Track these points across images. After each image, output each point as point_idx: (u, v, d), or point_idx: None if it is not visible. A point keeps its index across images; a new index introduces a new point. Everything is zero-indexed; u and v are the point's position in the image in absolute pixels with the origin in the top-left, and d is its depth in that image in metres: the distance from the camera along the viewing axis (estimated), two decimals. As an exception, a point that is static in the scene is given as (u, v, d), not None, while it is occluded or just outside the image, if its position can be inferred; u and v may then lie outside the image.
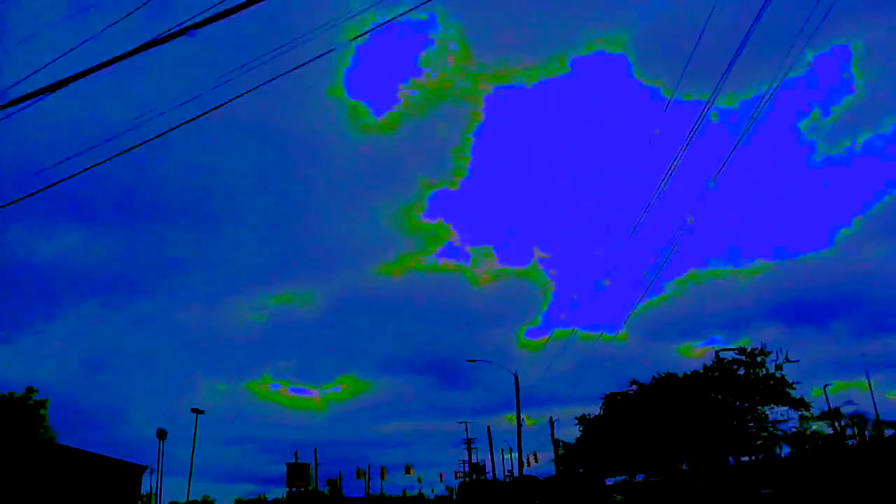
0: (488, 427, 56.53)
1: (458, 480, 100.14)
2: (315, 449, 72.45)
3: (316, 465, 72.16)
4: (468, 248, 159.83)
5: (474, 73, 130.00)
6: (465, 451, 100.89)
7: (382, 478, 67.45)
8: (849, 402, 47.49)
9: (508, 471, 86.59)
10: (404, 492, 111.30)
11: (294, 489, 65.52)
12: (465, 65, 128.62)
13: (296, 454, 72.89)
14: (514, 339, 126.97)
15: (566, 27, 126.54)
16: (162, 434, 49.33)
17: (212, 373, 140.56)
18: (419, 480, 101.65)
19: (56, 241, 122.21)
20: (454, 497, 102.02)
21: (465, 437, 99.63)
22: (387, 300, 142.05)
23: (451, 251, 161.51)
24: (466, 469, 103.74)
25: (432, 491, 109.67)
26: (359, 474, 69.44)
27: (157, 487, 48.88)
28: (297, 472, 66.21)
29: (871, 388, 44.85)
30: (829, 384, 43.35)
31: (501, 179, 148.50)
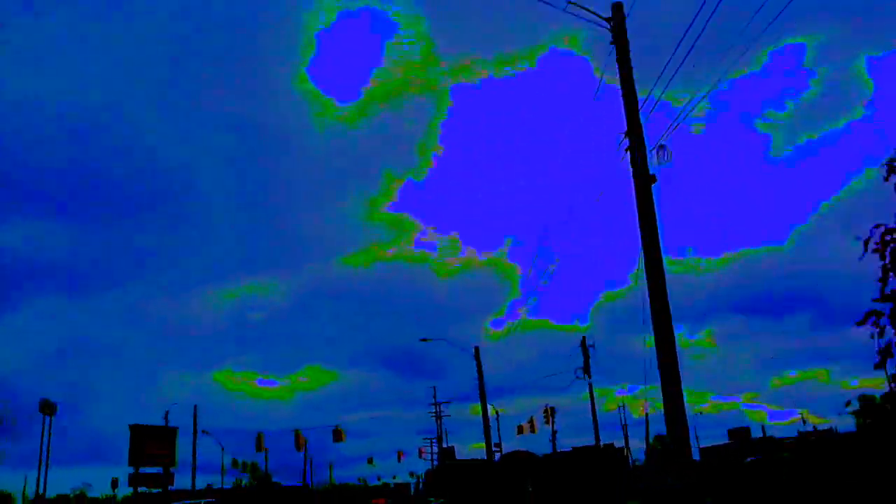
0: (475, 349, 30.90)
1: (424, 460, 75.54)
2: (195, 406, 46.11)
3: (195, 431, 45.67)
4: (434, 239, 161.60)
5: (437, 67, 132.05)
6: (432, 441, 76.64)
7: (298, 448, 41.55)
8: None
9: (495, 444, 61.74)
10: (361, 480, 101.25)
11: (148, 469, 38.93)
12: (428, 58, 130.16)
13: (165, 415, 46.24)
14: (480, 329, 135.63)
15: (525, 23, 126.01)
16: (48, 407, 35.80)
17: (177, 364, 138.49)
18: (369, 461, 76.77)
19: (18, 232, 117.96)
20: (420, 487, 75.70)
21: (433, 401, 73.94)
22: (352, 291, 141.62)
23: (417, 242, 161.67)
24: (435, 449, 78.71)
25: (394, 478, 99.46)
26: (258, 444, 42.85)
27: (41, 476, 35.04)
28: (152, 440, 39.52)
29: None
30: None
31: (467, 171, 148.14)
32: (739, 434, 49.49)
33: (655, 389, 11.56)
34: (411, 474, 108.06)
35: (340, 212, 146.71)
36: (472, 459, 63.10)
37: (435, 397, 73.59)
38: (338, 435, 40.84)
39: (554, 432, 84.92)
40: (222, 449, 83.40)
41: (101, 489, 67.48)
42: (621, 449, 61.98)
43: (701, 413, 79.39)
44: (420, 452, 75.03)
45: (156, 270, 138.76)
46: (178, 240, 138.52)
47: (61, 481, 71.21)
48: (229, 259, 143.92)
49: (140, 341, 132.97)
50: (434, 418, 74.35)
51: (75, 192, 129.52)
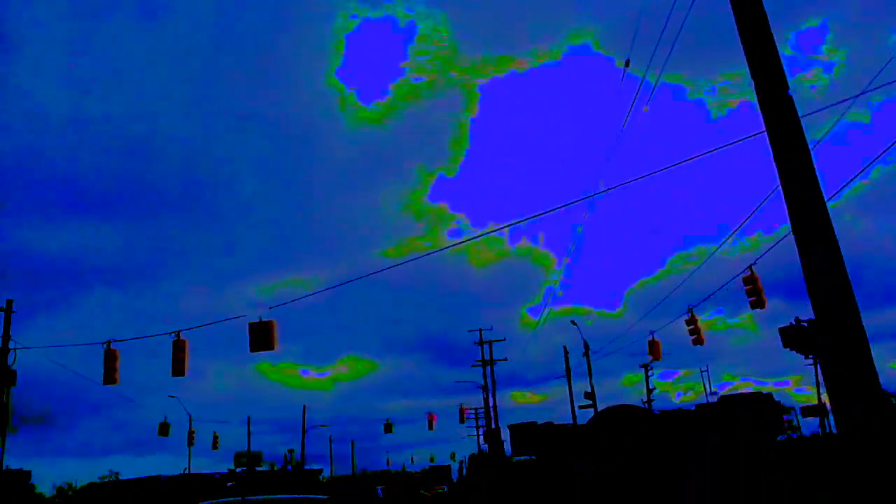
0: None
1: (465, 427, 52.86)
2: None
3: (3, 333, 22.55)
4: (468, 230, 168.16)
5: (461, 65, 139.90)
6: (477, 412, 54.31)
7: (172, 374, 19.42)
8: None
9: (587, 393, 37.51)
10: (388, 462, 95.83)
11: None
12: (451, 57, 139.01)
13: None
14: (517, 317, 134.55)
15: (544, 22, 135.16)
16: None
17: (219, 355, 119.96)
18: (387, 428, 54.10)
19: (71, 233, 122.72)
20: (464, 472, 67.38)
21: (479, 340, 49.98)
22: (389, 283, 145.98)
23: (452, 234, 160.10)
24: (482, 424, 56.12)
25: (432, 459, 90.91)
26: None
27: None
28: None
29: None
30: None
31: (497, 164, 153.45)
32: (813, 411, 48.04)
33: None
34: (452, 456, 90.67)
35: (375, 207, 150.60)
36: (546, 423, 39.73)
37: (481, 336, 50.00)
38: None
39: (649, 389, 60.53)
40: (190, 418, 62.56)
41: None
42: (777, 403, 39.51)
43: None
44: (461, 414, 51.88)
45: (197, 266, 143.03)
46: (218, 237, 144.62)
47: (101, 470, 69.09)
48: (268, 254, 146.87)
49: (183, 334, 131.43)
50: (480, 368, 50.85)
51: (120, 195, 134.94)
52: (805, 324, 17.77)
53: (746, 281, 17.89)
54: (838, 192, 12.66)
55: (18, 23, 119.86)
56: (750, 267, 17.88)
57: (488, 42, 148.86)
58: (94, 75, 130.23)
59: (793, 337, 17.14)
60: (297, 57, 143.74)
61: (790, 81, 6.83)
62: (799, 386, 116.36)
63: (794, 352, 17.81)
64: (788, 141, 6.47)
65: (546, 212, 16.06)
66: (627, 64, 11.12)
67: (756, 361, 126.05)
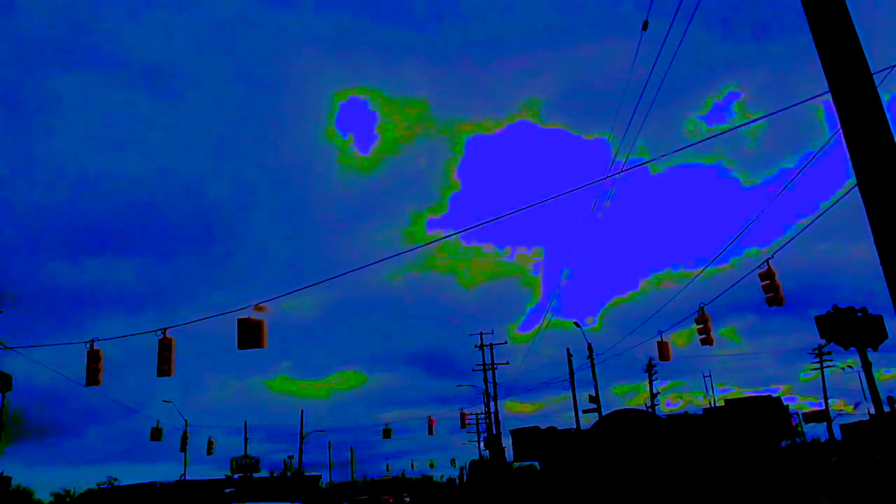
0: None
1: (465, 433, 51.77)
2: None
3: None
4: (458, 255, 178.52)
5: (434, 126, 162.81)
6: (478, 417, 53.28)
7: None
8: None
9: (591, 396, 36.26)
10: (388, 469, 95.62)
11: None
12: (427, 120, 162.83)
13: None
14: (506, 334, 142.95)
15: (501, 95, 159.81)
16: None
17: (222, 372, 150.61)
18: (385, 434, 53.05)
19: (98, 267, 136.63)
20: (464, 478, 68.10)
21: (479, 343, 48.92)
22: (384, 304, 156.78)
23: (445, 260, 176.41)
24: (482, 430, 55.05)
25: (431, 465, 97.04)
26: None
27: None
28: None
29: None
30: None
31: (478, 204, 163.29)
32: (817, 417, 48.37)
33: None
34: (452, 462, 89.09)
35: (374, 240, 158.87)
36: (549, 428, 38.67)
37: (482, 340, 49.07)
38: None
39: (653, 394, 59.53)
40: (186, 423, 61.46)
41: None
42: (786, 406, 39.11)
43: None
44: (462, 419, 50.83)
45: (207, 298, 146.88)
46: (231, 270, 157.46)
47: (101, 477, 70.36)
48: (273, 283, 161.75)
49: (192, 354, 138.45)
50: (482, 373, 49.80)
51: (140, 235, 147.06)
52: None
53: (763, 276, 16.94)
54: None
55: (49, 90, 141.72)
56: (767, 261, 16.94)
57: (456, 111, 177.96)
58: (122, 136, 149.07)
59: (831, 325, 16.06)
60: (298, 118, 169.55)
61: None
62: (789, 394, 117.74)
63: (834, 343, 16.77)
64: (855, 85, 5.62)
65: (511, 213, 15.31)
66: (645, 26, 10.25)
67: (742, 371, 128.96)
